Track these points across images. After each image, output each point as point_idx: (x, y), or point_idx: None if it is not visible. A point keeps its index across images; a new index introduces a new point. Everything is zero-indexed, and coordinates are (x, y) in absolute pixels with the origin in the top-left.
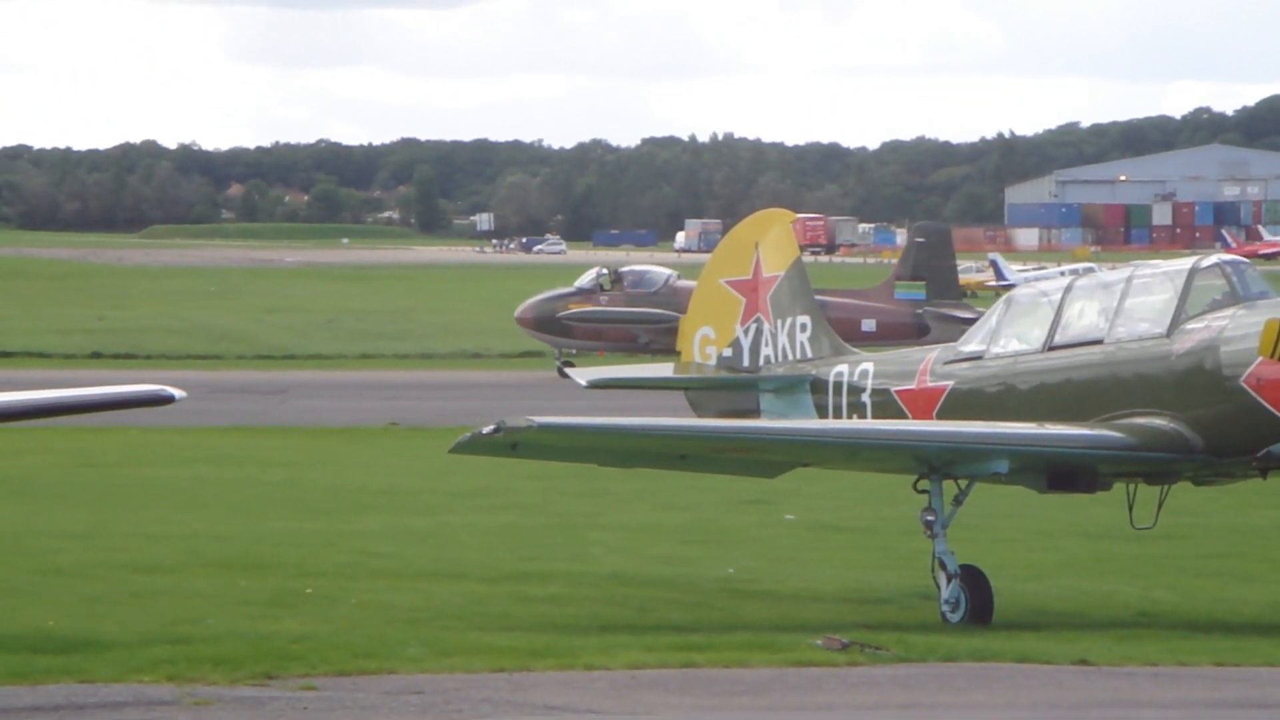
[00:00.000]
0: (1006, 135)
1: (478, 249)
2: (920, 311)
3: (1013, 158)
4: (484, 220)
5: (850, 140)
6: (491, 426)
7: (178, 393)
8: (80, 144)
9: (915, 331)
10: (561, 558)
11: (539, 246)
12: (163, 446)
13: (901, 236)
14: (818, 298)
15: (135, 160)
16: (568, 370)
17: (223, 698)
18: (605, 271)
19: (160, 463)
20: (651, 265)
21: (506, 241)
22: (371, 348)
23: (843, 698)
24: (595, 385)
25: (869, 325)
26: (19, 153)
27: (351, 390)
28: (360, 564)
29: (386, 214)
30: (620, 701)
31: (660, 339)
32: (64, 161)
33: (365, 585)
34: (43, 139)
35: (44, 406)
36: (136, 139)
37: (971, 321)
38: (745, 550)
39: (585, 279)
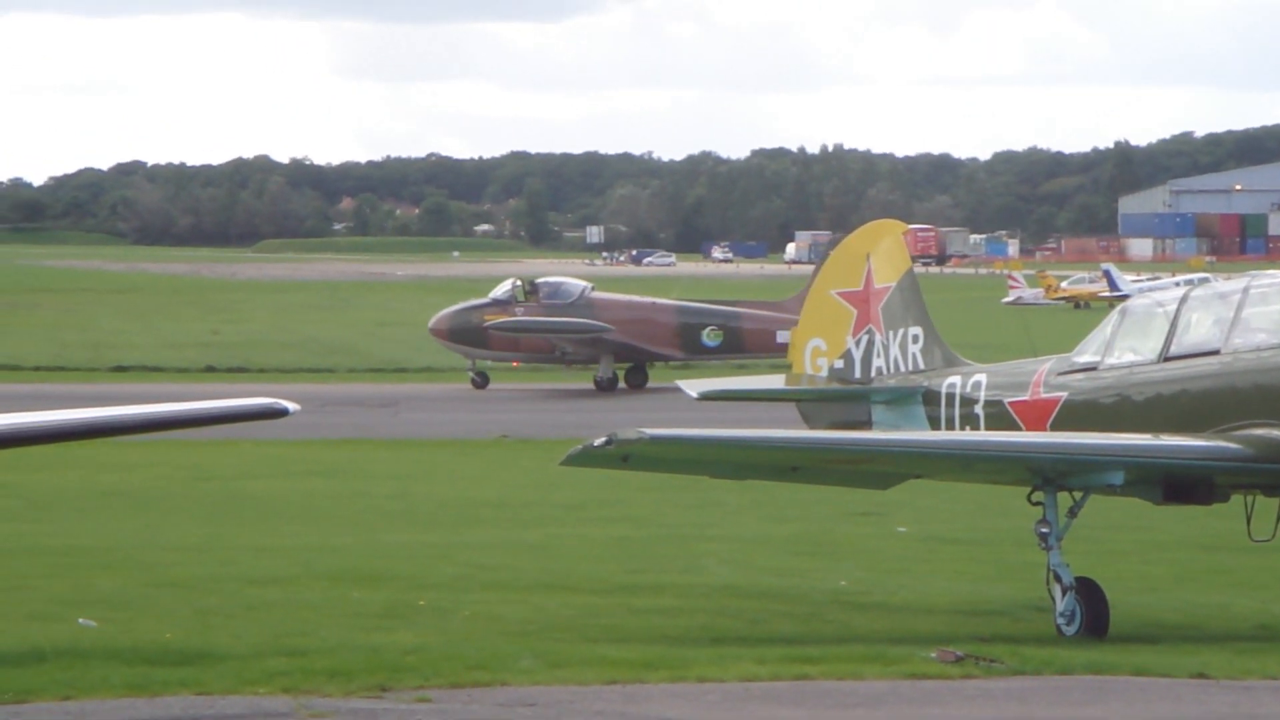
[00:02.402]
0: (1121, 145)
1: (588, 261)
2: None
3: (1126, 168)
4: (594, 233)
5: (961, 151)
6: (603, 439)
7: (291, 406)
8: (194, 160)
9: None
10: (672, 569)
11: (649, 259)
12: (276, 460)
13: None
14: (730, 309)
15: (248, 175)
16: (679, 383)
17: (338, 709)
18: (520, 283)
19: (273, 476)
20: (567, 277)
21: (616, 254)
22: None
23: (957, 710)
24: (706, 397)
25: (784, 336)
26: (134, 169)
27: (462, 403)
28: (472, 576)
29: (497, 227)
30: (733, 713)
31: (581, 349)
32: (178, 177)
33: (477, 597)
34: (157, 155)
35: (159, 420)
36: (249, 154)
37: None
38: (857, 562)
39: (501, 290)
